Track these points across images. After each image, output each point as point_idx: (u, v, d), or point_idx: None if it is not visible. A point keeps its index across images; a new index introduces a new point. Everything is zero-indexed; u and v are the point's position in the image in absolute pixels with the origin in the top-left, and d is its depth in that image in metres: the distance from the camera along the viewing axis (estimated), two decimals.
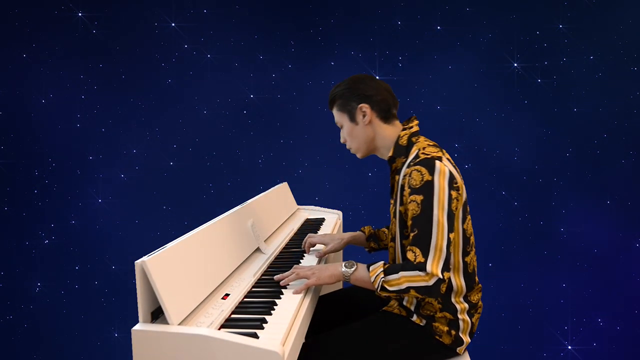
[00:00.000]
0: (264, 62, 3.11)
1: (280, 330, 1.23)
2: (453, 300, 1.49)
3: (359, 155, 1.65)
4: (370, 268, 1.43)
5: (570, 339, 3.02)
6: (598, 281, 3.03)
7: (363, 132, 1.58)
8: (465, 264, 1.48)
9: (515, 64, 3.03)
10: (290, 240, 2.10)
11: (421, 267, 1.35)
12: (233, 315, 1.32)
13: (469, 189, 3.07)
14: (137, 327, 1.18)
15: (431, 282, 1.34)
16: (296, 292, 1.46)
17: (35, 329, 3.00)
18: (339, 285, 2.56)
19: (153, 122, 3.08)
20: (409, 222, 1.41)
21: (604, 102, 3.00)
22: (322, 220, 2.48)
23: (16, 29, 2.96)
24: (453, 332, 1.49)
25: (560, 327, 3.03)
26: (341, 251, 2.37)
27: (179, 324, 1.19)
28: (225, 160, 3.12)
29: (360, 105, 1.55)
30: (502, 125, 3.06)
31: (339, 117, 1.62)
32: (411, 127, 1.57)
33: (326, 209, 2.67)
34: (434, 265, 1.34)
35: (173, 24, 3.03)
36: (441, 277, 1.34)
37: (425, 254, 1.35)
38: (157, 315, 1.25)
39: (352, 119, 1.58)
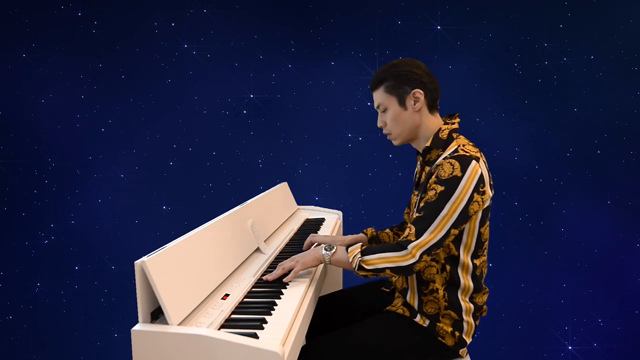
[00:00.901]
0: (264, 62, 3.11)
1: (280, 330, 1.23)
2: (460, 297, 1.48)
3: (396, 142, 1.60)
4: (349, 249, 1.47)
5: (571, 339, 3.02)
6: (598, 281, 3.03)
7: (410, 118, 1.53)
8: (474, 265, 1.48)
9: (516, 64, 3.03)
10: (290, 240, 2.10)
11: (404, 244, 1.39)
12: (233, 316, 1.32)
13: None
14: (136, 327, 1.18)
15: (406, 263, 1.38)
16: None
17: (35, 329, 2.99)
18: (339, 286, 2.56)
19: (153, 122, 3.08)
20: (421, 204, 1.43)
21: (605, 102, 3.00)
22: (322, 220, 2.48)
23: (16, 29, 2.96)
24: (457, 334, 1.48)
25: (561, 327, 3.03)
26: None
27: (179, 324, 1.19)
28: (225, 160, 3.12)
29: (415, 90, 1.51)
30: (502, 125, 3.06)
31: (384, 99, 1.55)
32: (453, 123, 1.55)
33: (326, 209, 2.67)
34: (417, 248, 1.38)
35: (173, 24, 3.02)
36: (417, 259, 1.38)
37: (418, 235, 1.38)
38: (157, 315, 1.24)
39: (402, 103, 1.53)
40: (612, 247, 3.02)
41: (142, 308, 1.19)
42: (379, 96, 1.56)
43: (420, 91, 1.51)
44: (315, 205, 2.71)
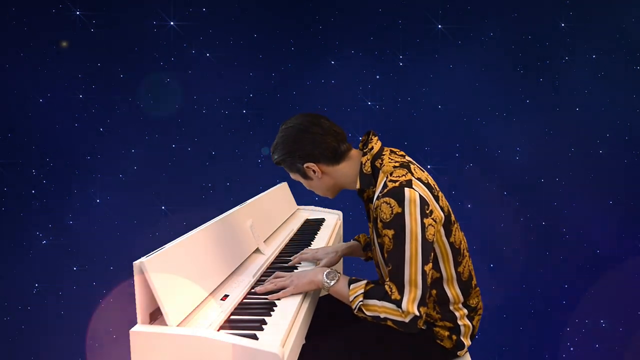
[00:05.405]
0: (264, 62, 3.10)
1: (280, 331, 1.22)
2: (451, 308, 1.47)
3: (330, 197, 1.60)
4: (351, 286, 1.39)
5: (572, 340, 3.00)
6: (600, 282, 3.01)
7: (322, 182, 1.52)
8: (458, 274, 1.46)
9: (517, 63, 3.02)
10: (290, 240, 2.09)
11: (398, 303, 1.31)
12: (232, 317, 1.31)
13: (470, 189, 3.07)
14: (135, 328, 1.17)
15: (407, 319, 1.30)
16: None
17: (33, 330, 2.98)
18: None
19: (152, 122, 3.07)
20: (385, 256, 1.37)
21: (607, 101, 2.99)
22: (322, 220, 2.46)
23: (13, 28, 2.94)
24: (454, 337, 1.47)
25: (562, 328, 3.01)
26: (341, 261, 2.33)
27: (178, 325, 1.18)
28: (225, 160, 3.11)
29: (306, 164, 1.48)
30: (503, 124, 3.05)
31: (292, 175, 1.57)
32: (371, 149, 1.48)
33: (326, 209, 2.65)
34: (410, 303, 1.30)
35: (172, 23, 3.01)
36: (418, 314, 1.30)
37: (401, 292, 1.31)
38: (156, 316, 1.23)
39: (305, 176, 1.52)
40: (614, 247, 3.01)
41: (141, 309, 1.19)
42: (288, 172, 1.57)
43: (311, 163, 1.47)
44: (315, 206, 2.70)
